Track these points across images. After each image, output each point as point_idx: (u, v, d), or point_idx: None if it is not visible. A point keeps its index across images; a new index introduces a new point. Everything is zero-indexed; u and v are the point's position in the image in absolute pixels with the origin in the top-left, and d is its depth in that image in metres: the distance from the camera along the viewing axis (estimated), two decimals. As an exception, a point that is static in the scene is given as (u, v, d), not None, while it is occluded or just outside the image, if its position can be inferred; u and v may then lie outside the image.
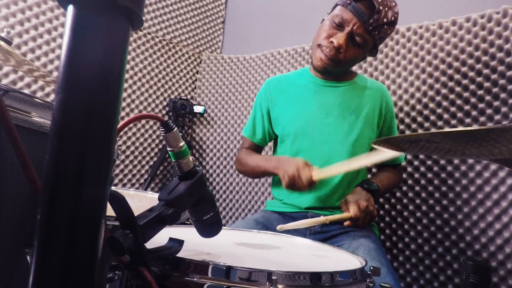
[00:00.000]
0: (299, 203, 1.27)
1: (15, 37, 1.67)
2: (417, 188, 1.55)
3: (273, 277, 0.50)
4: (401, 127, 1.60)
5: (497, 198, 1.35)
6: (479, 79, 1.41)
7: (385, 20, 1.15)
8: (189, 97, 2.39)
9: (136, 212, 0.49)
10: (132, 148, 2.14)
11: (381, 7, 1.14)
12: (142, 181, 2.19)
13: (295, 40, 2.10)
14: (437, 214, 1.49)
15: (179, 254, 0.55)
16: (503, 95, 1.36)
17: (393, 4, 1.18)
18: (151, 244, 0.51)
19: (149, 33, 2.22)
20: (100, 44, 0.33)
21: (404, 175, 1.57)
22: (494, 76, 1.38)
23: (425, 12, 1.70)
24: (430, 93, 1.53)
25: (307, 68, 1.41)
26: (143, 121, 2.20)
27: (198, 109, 2.23)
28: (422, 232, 1.52)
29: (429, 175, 1.52)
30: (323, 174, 1.10)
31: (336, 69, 1.24)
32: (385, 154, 1.12)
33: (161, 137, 2.25)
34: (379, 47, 1.29)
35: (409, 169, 1.57)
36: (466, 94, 1.44)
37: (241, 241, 0.79)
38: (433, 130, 1.53)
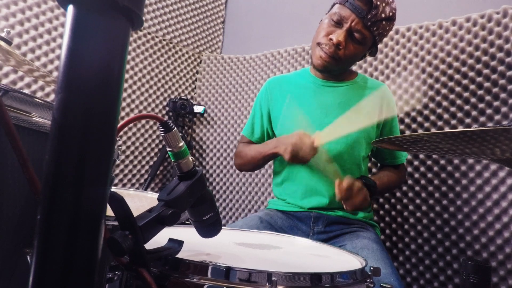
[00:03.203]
0: (302, 204, 1.27)
1: (15, 37, 1.67)
2: (417, 188, 1.55)
3: (273, 278, 0.50)
4: (401, 127, 1.60)
5: (497, 198, 1.35)
6: (479, 79, 1.41)
7: (383, 15, 1.16)
8: (189, 97, 2.39)
9: (136, 213, 0.49)
10: (132, 148, 2.14)
11: (378, 2, 1.14)
12: (142, 181, 2.19)
13: (295, 40, 2.10)
14: (437, 214, 1.49)
15: (179, 255, 0.54)
16: (503, 95, 1.36)
17: (390, 0, 1.19)
18: (150, 244, 0.51)
19: (149, 33, 2.22)
20: (100, 44, 0.33)
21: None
22: (494, 76, 1.38)
23: (425, 12, 1.70)
24: (430, 93, 1.53)
25: (307, 68, 1.41)
26: (143, 121, 2.20)
27: (198, 109, 2.23)
28: (422, 232, 1.52)
29: (429, 175, 1.52)
30: (325, 138, 1.10)
31: (336, 67, 1.24)
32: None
33: (161, 137, 2.25)
34: (378, 45, 1.29)
35: (409, 169, 1.57)
36: (466, 94, 1.44)
37: (241, 241, 0.78)
38: (433, 130, 1.53)
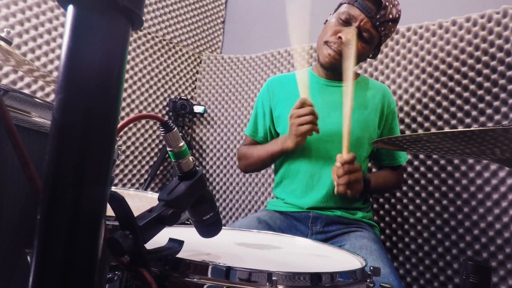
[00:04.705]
0: (301, 204, 1.27)
1: (15, 37, 1.67)
2: (417, 188, 1.55)
3: (273, 278, 0.50)
4: (401, 127, 1.60)
5: (497, 198, 1.35)
6: (479, 79, 1.41)
7: (390, 16, 1.18)
8: (189, 97, 2.39)
9: (136, 213, 0.49)
10: (132, 148, 2.14)
11: (387, 3, 1.17)
12: (142, 181, 2.19)
13: (295, 40, 2.09)
14: (437, 214, 1.49)
15: (179, 255, 0.54)
16: (503, 95, 1.36)
17: (396, 2, 1.21)
18: (150, 244, 0.51)
19: (149, 33, 2.22)
20: (100, 44, 0.33)
21: (404, 175, 1.57)
22: (494, 76, 1.38)
23: (425, 12, 1.70)
24: (430, 93, 1.53)
25: (309, 68, 1.41)
26: (143, 121, 2.20)
27: (198, 109, 2.23)
28: (422, 232, 1.52)
29: (429, 175, 1.52)
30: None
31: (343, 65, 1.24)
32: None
33: (161, 137, 2.25)
34: (381, 46, 1.30)
35: (409, 169, 1.57)
36: (466, 94, 1.44)
37: (241, 241, 0.78)
38: (433, 130, 1.53)
